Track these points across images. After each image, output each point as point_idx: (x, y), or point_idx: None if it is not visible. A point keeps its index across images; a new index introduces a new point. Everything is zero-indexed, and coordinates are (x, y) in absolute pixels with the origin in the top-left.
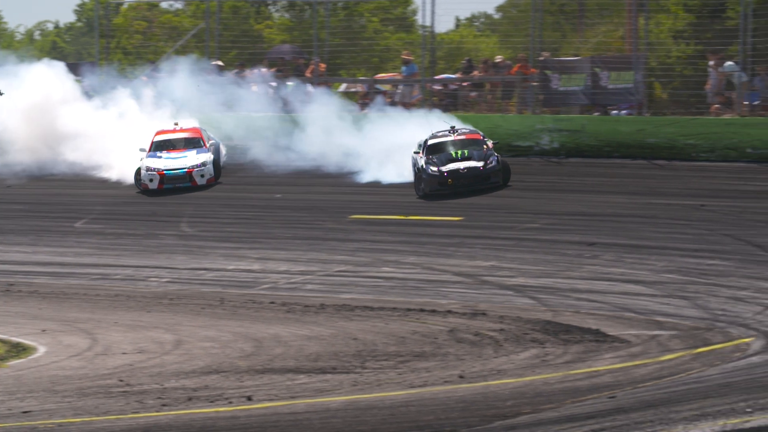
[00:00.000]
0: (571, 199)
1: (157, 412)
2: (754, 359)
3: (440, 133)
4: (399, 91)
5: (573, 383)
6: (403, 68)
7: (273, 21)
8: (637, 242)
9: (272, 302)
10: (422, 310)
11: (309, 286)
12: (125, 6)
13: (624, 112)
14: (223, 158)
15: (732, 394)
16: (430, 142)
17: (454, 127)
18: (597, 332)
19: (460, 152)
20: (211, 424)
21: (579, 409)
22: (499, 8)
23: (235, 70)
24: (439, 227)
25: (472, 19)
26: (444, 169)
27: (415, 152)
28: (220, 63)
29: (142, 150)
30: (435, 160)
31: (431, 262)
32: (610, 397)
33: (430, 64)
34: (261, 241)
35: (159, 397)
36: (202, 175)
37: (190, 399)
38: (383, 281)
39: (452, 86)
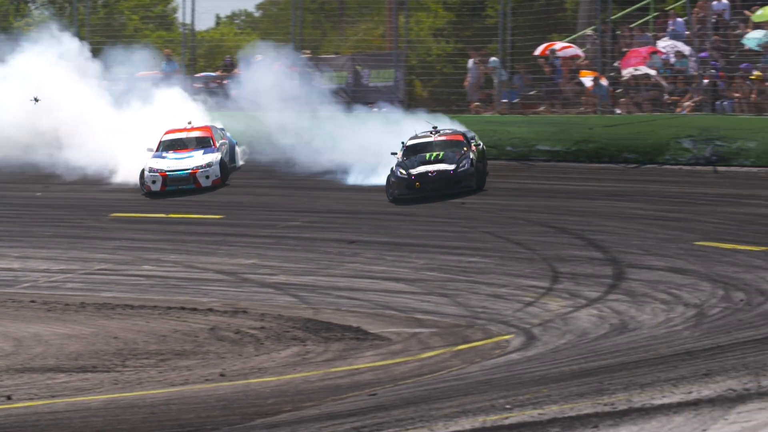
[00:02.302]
0: (332, 197)
1: None
2: (514, 356)
3: (421, 134)
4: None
5: (334, 381)
6: (164, 65)
7: (33, 18)
8: (398, 240)
9: (32, 301)
10: (183, 309)
11: (69, 285)
12: None
13: (384, 110)
14: (239, 159)
15: (492, 391)
16: (408, 143)
17: (436, 127)
18: (358, 330)
19: (434, 155)
20: None
21: (340, 407)
22: (260, 6)
23: None
24: (200, 225)
25: (232, 17)
26: (413, 172)
27: (392, 153)
28: None
29: (149, 150)
30: (407, 162)
31: (192, 260)
32: (371, 395)
33: (191, 62)
34: (21, 239)
35: None
36: (207, 177)
37: None
38: (144, 279)
39: (213, 84)
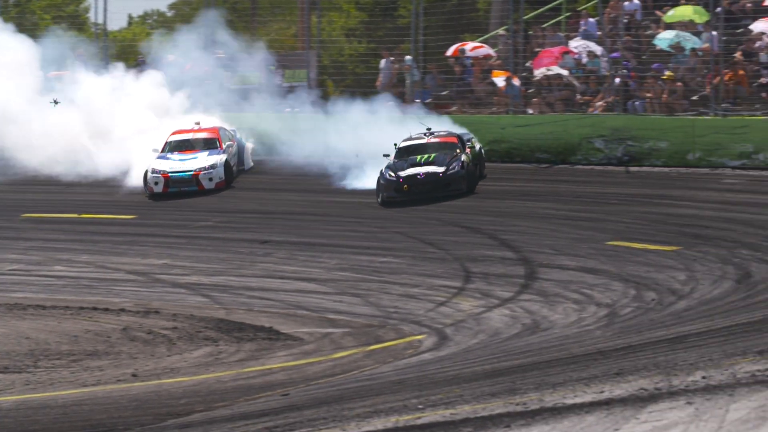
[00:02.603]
0: (244, 197)
1: None
2: (426, 356)
3: (415, 136)
4: None
5: (246, 381)
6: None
7: None
8: (310, 240)
9: None
10: (95, 309)
11: None
12: None
13: (297, 110)
14: (249, 161)
15: (404, 390)
16: (400, 144)
17: (430, 128)
18: (270, 330)
19: (425, 157)
20: None
21: (252, 407)
22: (172, 6)
23: None
24: (112, 225)
25: (145, 17)
26: (402, 174)
27: (385, 155)
28: None
29: (154, 150)
30: (396, 164)
31: (104, 260)
32: (284, 395)
33: (103, 61)
34: None
35: None
36: (210, 179)
37: None
38: (56, 280)
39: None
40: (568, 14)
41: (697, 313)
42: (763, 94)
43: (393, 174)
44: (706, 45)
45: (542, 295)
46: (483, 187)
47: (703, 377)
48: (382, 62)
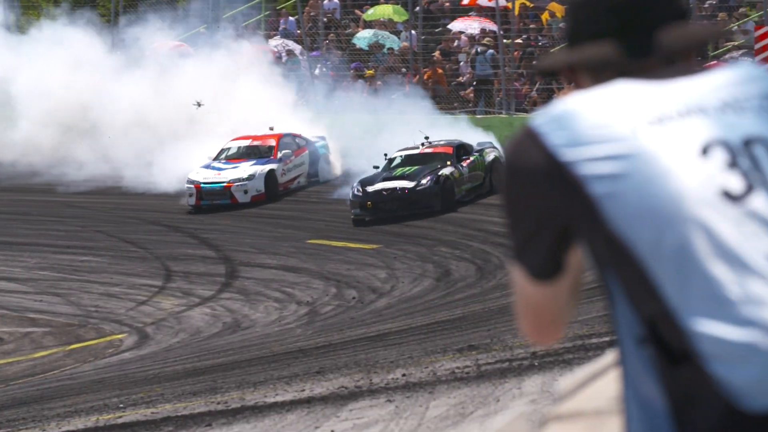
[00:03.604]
0: None
1: None
2: (127, 355)
3: (411, 146)
4: None
5: None
6: None
7: None
8: (9, 239)
9: None
10: None
11: None
12: None
13: None
14: (327, 171)
15: (105, 390)
16: (393, 154)
17: (428, 138)
18: None
19: (403, 170)
20: None
21: None
22: None
23: None
24: None
25: None
26: (369, 189)
27: (375, 167)
28: None
29: (208, 158)
30: (370, 177)
31: None
32: None
33: None
34: None
35: None
36: (245, 192)
37: None
38: None
39: None
40: (267, 13)
41: (397, 311)
42: (462, 93)
43: (361, 189)
44: (405, 44)
45: (243, 294)
46: None
47: (404, 375)
48: None
